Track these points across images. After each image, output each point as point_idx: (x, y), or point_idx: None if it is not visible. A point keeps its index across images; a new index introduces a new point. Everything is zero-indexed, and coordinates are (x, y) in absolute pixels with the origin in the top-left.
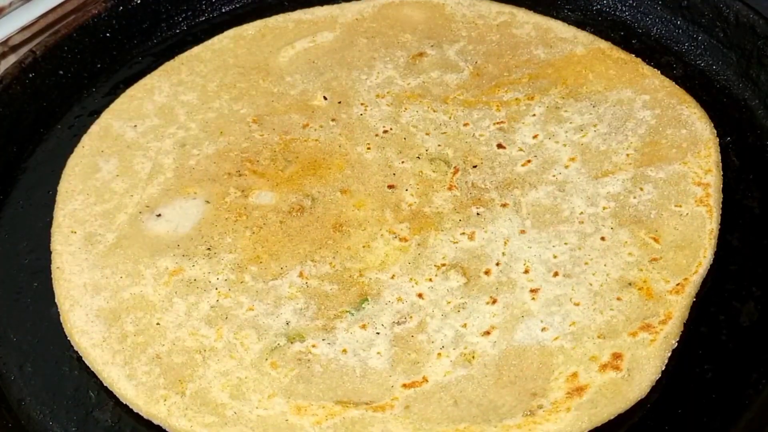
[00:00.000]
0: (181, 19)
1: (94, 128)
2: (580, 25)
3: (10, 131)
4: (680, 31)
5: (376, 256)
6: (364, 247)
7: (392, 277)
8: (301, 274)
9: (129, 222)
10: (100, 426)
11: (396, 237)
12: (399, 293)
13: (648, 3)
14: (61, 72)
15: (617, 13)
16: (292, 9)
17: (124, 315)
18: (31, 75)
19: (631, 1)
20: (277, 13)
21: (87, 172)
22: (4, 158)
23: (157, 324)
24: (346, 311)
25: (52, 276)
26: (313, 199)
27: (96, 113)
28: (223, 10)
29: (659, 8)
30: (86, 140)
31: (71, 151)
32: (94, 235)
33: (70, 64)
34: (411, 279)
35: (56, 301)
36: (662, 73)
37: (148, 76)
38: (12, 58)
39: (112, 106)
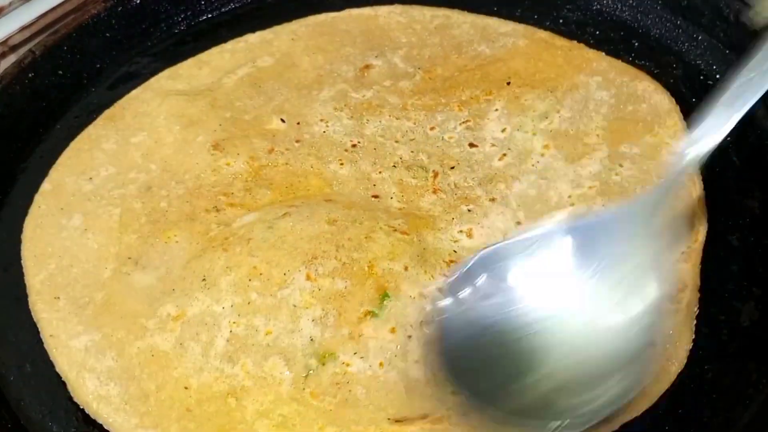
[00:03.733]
0: (180, 19)
1: (46, 186)
2: (581, 25)
3: (10, 131)
4: (680, 30)
5: (382, 246)
6: (366, 238)
7: (405, 269)
8: (308, 276)
9: (114, 277)
10: (100, 426)
11: (396, 230)
12: (419, 287)
13: (648, 3)
14: (60, 72)
15: (617, 13)
16: (293, 9)
17: (138, 371)
18: (30, 75)
19: (631, 1)
20: (277, 13)
21: (51, 233)
22: (3, 158)
23: (177, 374)
24: (369, 311)
25: (47, 345)
26: (297, 207)
27: (95, 113)
28: (223, 10)
29: (659, 8)
30: (40, 200)
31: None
32: (81, 298)
33: (70, 63)
34: (426, 272)
35: (59, 371)
36: (661, 72)
37: (91, 125)
38: (12, 58)
39: (59, 162)
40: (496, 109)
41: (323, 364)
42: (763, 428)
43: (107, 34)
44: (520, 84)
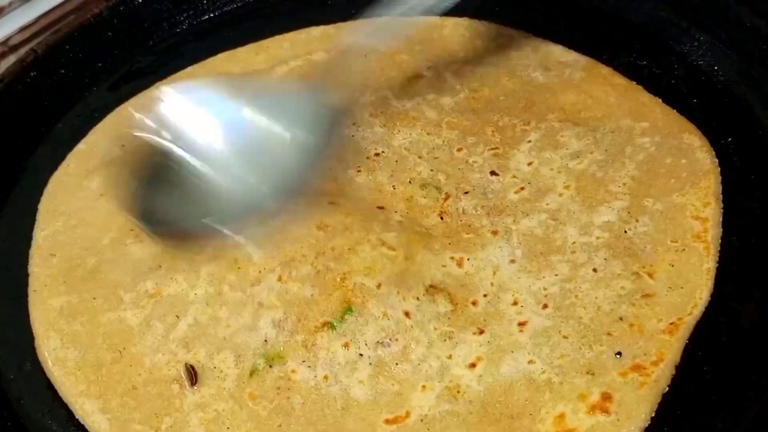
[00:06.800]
0: (182, 18)
1: (81, 147)
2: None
3: (11, 130)
4: (682, 31)
5: (362, 260)
6: (349, 249)
7: (378, 287)
8: (279, 278)
9: (111, 246)
10: None
11: (384, 245)
12: (385, 307)
13: (650, 3)
14: (62, 71)
15: (619, 14)
16: (295, 10)
17: (100, 341)
18: (32, 74)
19: (633, 2)
20: (278, 12)
21: (71, 192)
22: (5, 157)
23: (134, 350)
24: (329, 322)
25: (29, 299)
26: (297, 205)
27: (97, 112)
28: (225, 9)
29: (661, 9)
30: (71, 159)
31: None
32: (74, 259)
33: (72, 62)
34: (398, 293)
35: (31, 325)
36: (662, 73)
37: (139, 95)
38: (12, 58)
39: (100, 125)
40: (530, 141)
41: (270, 366)
42: (763, 429)
43: (109, 33)
44: (563, 118)
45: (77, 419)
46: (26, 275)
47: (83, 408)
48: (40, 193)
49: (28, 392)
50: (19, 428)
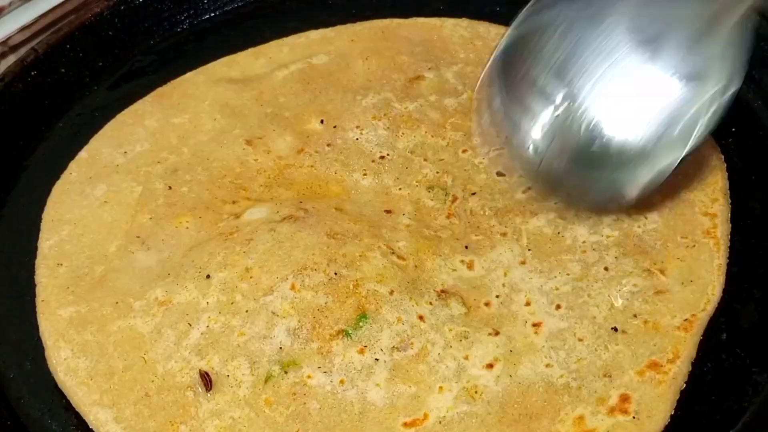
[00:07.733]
0: (183, 18)
1: (82, 155)
2: None
3: (12, 129)
4: None
5: (374, 267)
6: (360, 256)
7: (391, 293)
8: (293, 286)
9: (118, 254)
10: None
11: (393, 253)
12: (399, 312)
13: None
14: (62, 70)
15: None
16: (296, 9)
17: (111, 349)
18: (32, 73)
19: None
20: (278, 11)
21: (74, 200)
22: (5, 156)
23: (146, 358)
24: (344, 330)
25: (37, 309)
26: (306, 211)
27: (97, 111)
28: (226, 9)
29: None
30: (73, 167)
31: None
32: (81, 268)
33: (72, 62)
34: (411, 299)
35: (40, 335)
36: None
37: (139, 101)
38: (11, 58)
39: (101, 132)
40: None
41: (285, 372)
42: (762, 429)
43: (110, 33)
44: None
45: (77, 418)
46: (26, 273)
47: (97, 418)
48: (41, 193)
49: (28, 391)
50: (18, 427)
